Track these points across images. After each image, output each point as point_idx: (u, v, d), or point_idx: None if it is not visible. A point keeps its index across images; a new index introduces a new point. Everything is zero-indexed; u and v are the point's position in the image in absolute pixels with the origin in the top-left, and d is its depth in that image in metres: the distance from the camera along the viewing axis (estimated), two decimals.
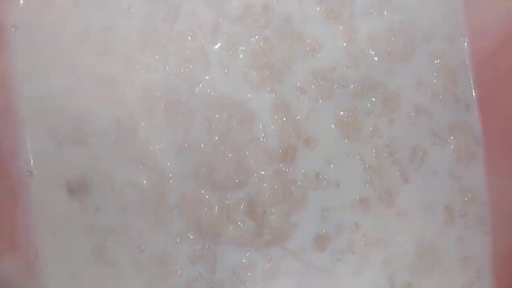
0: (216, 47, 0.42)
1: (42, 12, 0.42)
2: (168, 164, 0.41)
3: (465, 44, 0.43)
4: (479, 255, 0.43)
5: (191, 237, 0.41)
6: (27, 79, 0.42)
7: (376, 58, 0.42)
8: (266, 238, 0.41)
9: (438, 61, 0.42)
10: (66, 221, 0.42)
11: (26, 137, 0.42)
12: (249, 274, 0.41)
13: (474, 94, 0.43)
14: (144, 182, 0.42)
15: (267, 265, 0.41)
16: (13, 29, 0.42)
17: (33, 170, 0.42)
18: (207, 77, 0.42)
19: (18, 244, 0.41)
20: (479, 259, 0.43)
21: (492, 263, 0.43)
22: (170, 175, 0.41)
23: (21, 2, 0.42)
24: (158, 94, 0.41)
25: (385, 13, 0.42)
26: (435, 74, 0.42)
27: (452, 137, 0.43)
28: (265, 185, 0.41)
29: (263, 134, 0.42)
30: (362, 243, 0.42)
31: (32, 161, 0.42)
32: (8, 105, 0.42)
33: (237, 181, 0.41)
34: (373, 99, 0.42)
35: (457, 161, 0.43)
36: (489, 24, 0.42)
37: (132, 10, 0.42)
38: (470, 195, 0.43)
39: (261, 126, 0.42)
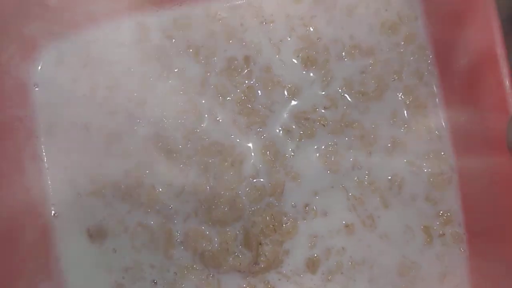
0: (206, 98, 0.47)
1: (56, 72, 0.47)
2: (172, 206, 0.47)
3: (434, 78, 0.46)
4: (457, 271, 0.47)
5: (197, 268, 0.47)
6: (49, 133, 0.48)
7: (351, 99, 0.46)
8: (262, 265, 0.46)
9: (409, 96, 0.46)
10: (89, 261, 0.48)
11: (50, 185, 0.48)
12: None
13: (445, 124, 0.46)
14: (152, 223, 0.47)
15: None
16: (35, 87, 0.47)
17: (58, 213, 0.47)
18: (201, 126, 0.46)
19: (52, 276, 0.47)
20: (458, 274, 0.47)
21: (470, 277, 0.47)
22: (175, 215, 0.47)
23: (40, 65, 0.47)
24: (159, 144, 0.47)
25: (357, 57, 0.46)
26: (407, 108, 0.46)
27: (426, 165, 0.47)
28: (259, 218, 0.46)
29: (253, 173, 0.46)
30: (350, 263, 0.47)
31: (56, 207, 0.47)
32: (35, 155, 0.48)
33: (233, 216, 0.46)
34: (352, 135, 0.46)
35: (433, 187, 0.47)
36: (458, 58, 0.45)
37: (132, 70, 0.47)
38: (446, 217, 0.47)
39: (251, 166, 0.46)
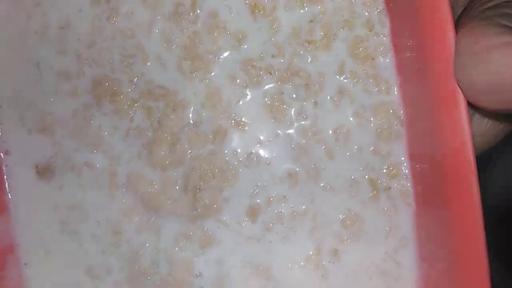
0: (152, 42, 0.46)
1: (10, 10, 0.48)
2: (117, 148, 0.47)
3: (385, 29, 0.45)
4: (402, 225, 0.46)
5: (138, 211, 0.47)
6: (2, 71, 0.48)
7: (299, 47, 0.46)
8: (199, 210, 0.46)
9: (358, 47, 0.45)
10: (36, 198, 0.49)
11: (2, 122, 0.48)
12: (188, 243, 0.47)
13: (394, 77, 0.45)
14: (98, 165, 0.47)
15: (203, 236, 0.47)
16: None
17: (10, 151, 0.48)
18: (146, 70, 0.47)
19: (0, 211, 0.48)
20: (402, 229, 0.46)
21: (416, 231, 0.46)
22: (119, 158, 0.47)
23: None
24: (107, 84, 0.47)
25: (306, 5, 0.45)
26: (355, 59, 0.45)
27: (374, 118, 0.46)
28: (199, 164, 0.46)
29: (196, 119, 0.46)
30: (291, 213, 0.46)
31: (8, 144, 0.48)
32: None
33: (173, 161, 0.46)
34: (298, 84, 0.46)
35: (381, 140, 0.46)
36: (408, 9, 0.44)
37: (81, 11, 0.47)
38: (394, 171, 0.46)
39: (194, 112, 0.46)
